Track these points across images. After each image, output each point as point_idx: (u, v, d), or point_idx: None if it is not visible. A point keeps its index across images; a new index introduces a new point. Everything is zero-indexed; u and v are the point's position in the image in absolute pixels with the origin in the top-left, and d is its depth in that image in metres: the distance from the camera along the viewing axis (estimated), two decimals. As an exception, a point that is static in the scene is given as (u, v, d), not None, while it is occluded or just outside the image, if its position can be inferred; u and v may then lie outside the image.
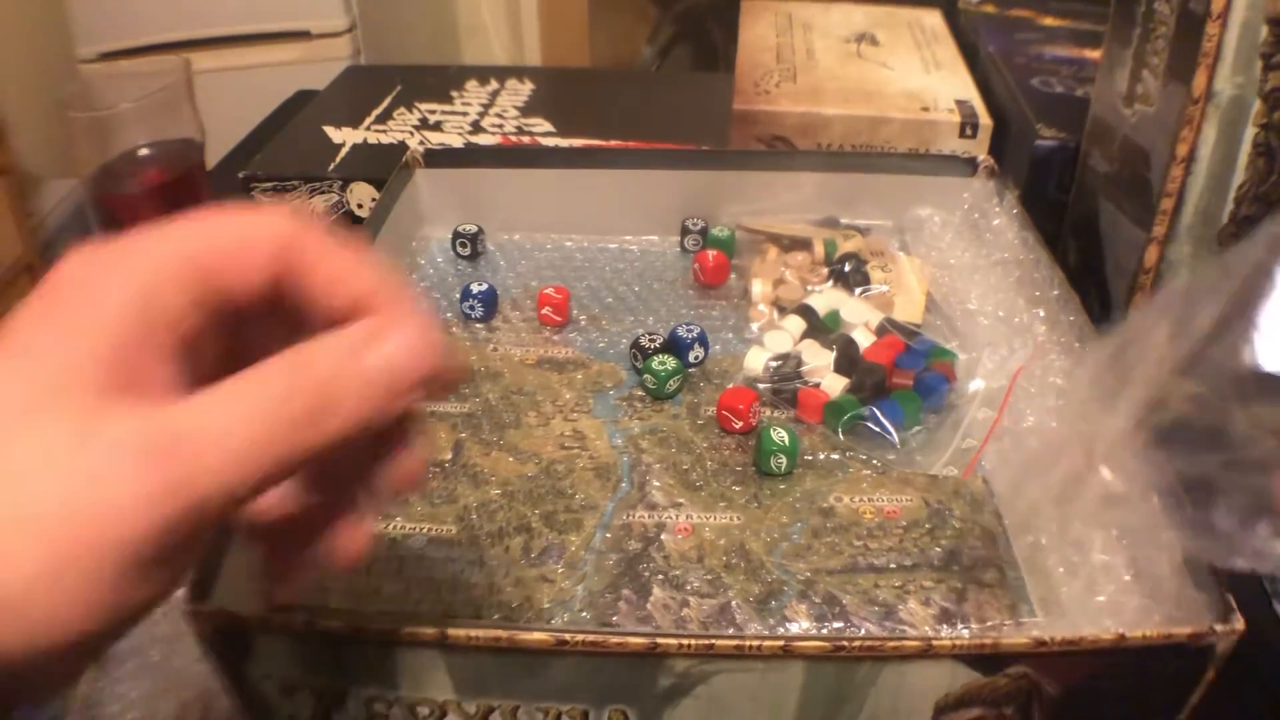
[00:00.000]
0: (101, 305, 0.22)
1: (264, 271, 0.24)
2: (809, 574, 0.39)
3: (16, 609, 0.20)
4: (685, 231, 0.60)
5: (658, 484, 0.43)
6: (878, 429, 0.45)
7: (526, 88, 0.87)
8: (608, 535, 0.40)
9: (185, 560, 0.22)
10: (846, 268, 0.55)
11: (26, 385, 0.21)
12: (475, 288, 0.54)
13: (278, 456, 0.22)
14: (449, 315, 0.55)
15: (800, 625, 0.36)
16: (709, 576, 0.39)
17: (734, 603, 0.37)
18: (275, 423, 0.22)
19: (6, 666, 0.20)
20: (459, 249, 0.59)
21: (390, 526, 0.40)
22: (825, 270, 0.56)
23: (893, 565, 0.39)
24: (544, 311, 0.53)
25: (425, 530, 0.40)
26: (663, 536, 0.40)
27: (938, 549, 0.40)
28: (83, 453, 0.21)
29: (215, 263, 0.24)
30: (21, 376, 0.21)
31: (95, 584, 0.20)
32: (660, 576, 0.39)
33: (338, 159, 0.73)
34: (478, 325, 0.54)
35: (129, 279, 0.23)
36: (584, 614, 0.37)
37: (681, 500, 0.42)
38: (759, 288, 0.55)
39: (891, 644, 0.32)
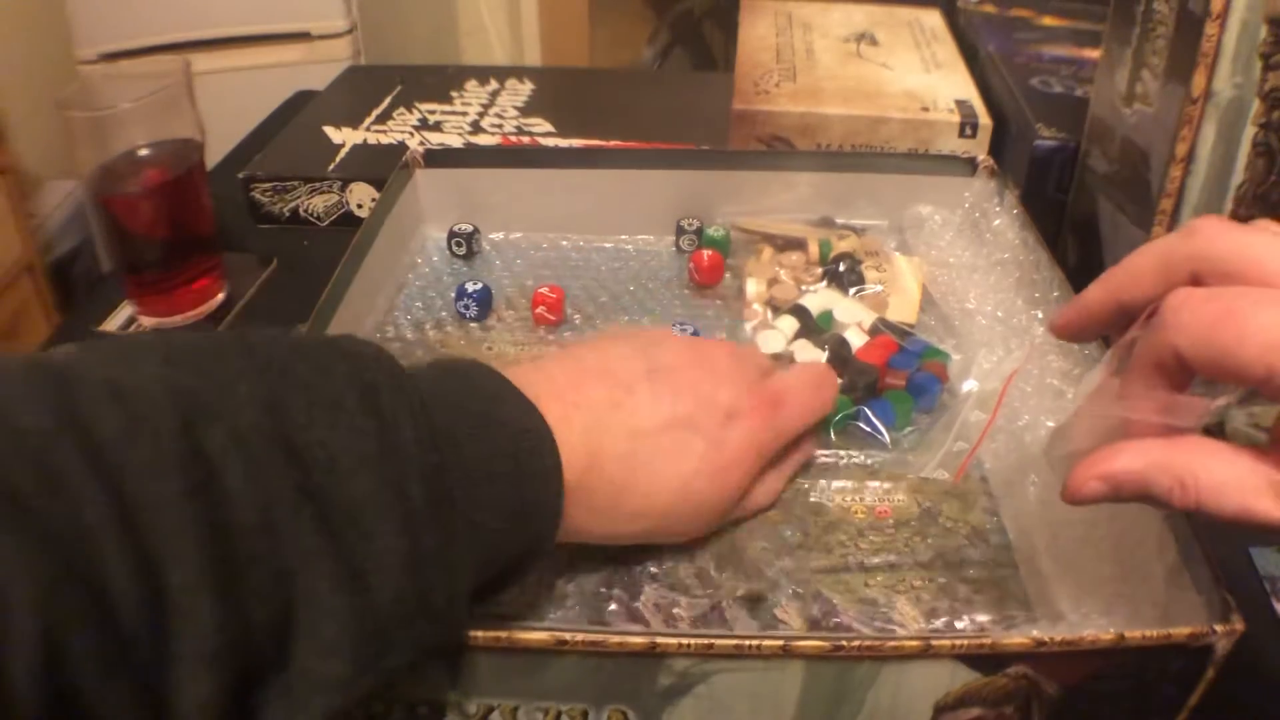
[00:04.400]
0: None
1: None
2: (799, 573, 0.39)
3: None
4: (680, 231, 0.60)
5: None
6: (869, 429, 0.45)
7: (526, 88, 0.87)
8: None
9: None
10: (841, 268, 0.55)
11: None
12: (470, 287, 0.54)
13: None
14: (444, 314, 0.55)
15: (790, 624, 0.36)
16: (700, 575, 0.39)
17: (724, 601, 0.37)
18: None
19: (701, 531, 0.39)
20: (454, 248, 0.59)
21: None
22: (820, 270, 0.56)
23: (882, 564, 0.39)
24: (539, 311, 0.53)
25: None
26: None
27: (928, 548, 0.40)
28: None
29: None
30: None
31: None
32: (651, 575, 0.39)
33: (338, 159, 0.73)
34: (472, 324, 0.54)
35: None
36: (575, 607, 0.37)
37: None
38: (753, 287, 0.55)
39: (891, 644, 0.32)
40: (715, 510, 0.38)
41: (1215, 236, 0.29)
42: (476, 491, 0.30)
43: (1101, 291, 0.33)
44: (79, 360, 0.25)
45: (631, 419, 0.35)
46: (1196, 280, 0.29)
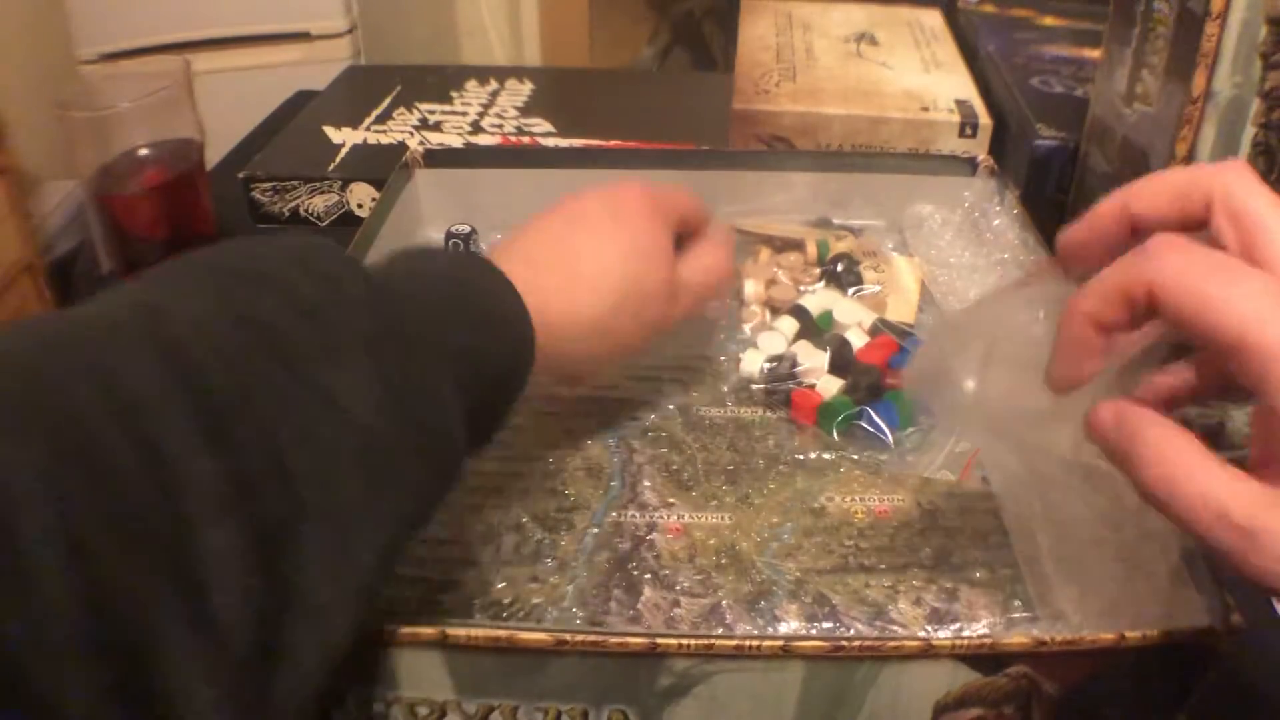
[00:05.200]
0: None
1: None
2: (799, 574, 0.39)
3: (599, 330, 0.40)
4: (682, 232, 0.60)
5: (649, 483, 0.43)
6: (872, 429, 0.45)
7: (526, 88, 0.87)
8: (599, 534, 0.40)
9: None
10: (839, 268, 0.55)
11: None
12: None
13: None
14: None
15: (790, 625, 0.36)
16: (699, 576, 0.39)
17: (724, 603, 0.37)
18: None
19: (588, 369, 0.44)
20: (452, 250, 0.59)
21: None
22: (817, 271, 0.56)
23: (883, 565, 0.39)
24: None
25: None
26: (653, 536, 0.40)
27: (928, 549, 0.40)
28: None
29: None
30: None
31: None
32: (651, 576, 0.39)
33: (337, 159, 0.73)
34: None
35: None
36: (574, 609, 0.37)
37: (673, 500, 0.42)
38: (751, 288, 0.55)
39: (891, 644, 0.32)
40: (658, 257, 0.42)
41: (1242, 182, 0.29)
42: (433, 315, 0.33)
43: (1117, 201, 0.32)
44: (73, 310, 0.30)
45: (550, 224, 0.42)
46: (1207, 216, 0.29)
